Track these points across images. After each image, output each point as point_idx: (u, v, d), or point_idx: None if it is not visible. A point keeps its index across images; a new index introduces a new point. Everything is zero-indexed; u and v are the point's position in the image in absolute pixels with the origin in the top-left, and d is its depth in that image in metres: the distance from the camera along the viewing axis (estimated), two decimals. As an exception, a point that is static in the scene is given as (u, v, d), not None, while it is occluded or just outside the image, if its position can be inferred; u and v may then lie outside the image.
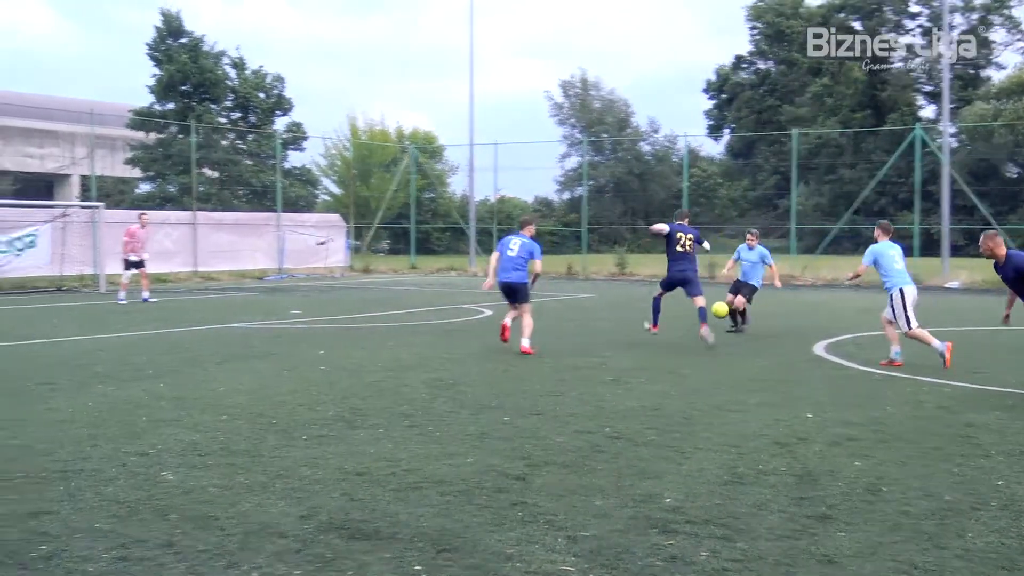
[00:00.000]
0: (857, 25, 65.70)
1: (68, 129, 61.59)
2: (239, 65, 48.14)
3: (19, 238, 27.31)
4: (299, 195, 48.45)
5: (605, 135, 73.80)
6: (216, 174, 47.21)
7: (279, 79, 49.06)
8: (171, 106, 46.97)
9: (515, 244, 13.93)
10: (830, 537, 5.29)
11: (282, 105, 49.27)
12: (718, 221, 60.27)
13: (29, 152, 60.84)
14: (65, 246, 28.52)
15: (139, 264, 23.28)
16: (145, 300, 22.81)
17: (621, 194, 70.20)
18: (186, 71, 45.71)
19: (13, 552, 4.99)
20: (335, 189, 60.42)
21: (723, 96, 76.88)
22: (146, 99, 48.10)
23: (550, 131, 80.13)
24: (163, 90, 46.77)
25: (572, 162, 73.83)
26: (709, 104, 78.64)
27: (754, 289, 16.87)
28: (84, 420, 8.45)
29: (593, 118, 78.28)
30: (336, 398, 9.63)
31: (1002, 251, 10.45)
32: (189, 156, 39.77)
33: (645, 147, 76.00)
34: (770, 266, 17.10)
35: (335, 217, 43.22)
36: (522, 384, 10.63)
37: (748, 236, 17.11)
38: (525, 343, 13.42)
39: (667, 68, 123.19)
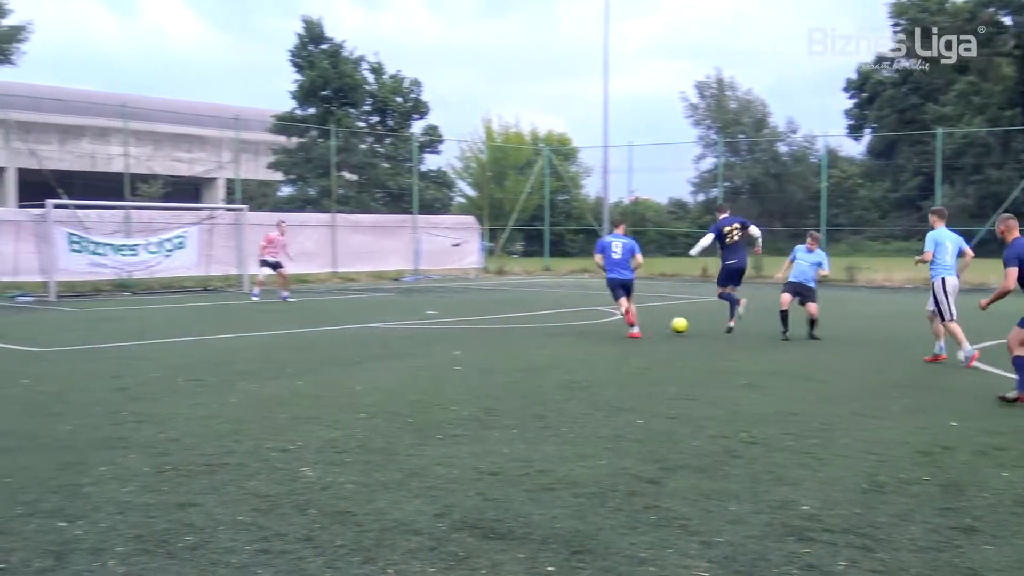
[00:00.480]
0: (1007, 20, 63.24)
1: (215, 134, 63.72)
2: (377, 70, 49.05)
3: (168, 239, 28.34)
4: (435, 197, 49.08)
5: (741, 136, 72.68)
6: (355, 177, 48.18)
7: (416, 83, 49.83)
8: (312, 111, 48.17)
9: (617, 246, 15.61)
10: (976, 550, 5.10)
11: (419, 109, 50.00)
12: (858, 223, 58.70)
13: (178, 156, 63.15)
14: (211, 247, 29.49)
15: (276, 265, 24.04)
16: (284, 298, 23.55)
17: (758, 196, 68.96)
18: (326, 76, 46.79)
19: (163, 541, 5.18)
20: (470, 191, 60.97)
21: (864, 95, 74.91)
22: (288, 104, 49.50)
23: (685, 132, 79.36)
24: (304, 95, 47.98)
25: (707, 163, 72.90)
26: (849, 103, 76.80)
27: (813, 291, 15.98)
28: (228, 416, 8.72)
29: (729, 119, 77.15)
30: (471, 398, 9.71)
31: (1012, 235, 10.08)
32: (329, 159, 40.67)
33: (782, 148, 74.52)
34: (825, 272, 16.24)
35: (470, 219, 43.61)
36: (656, 387, 10.55)
37: (810, 238, 16.15)
38: (635, 330, 15.24)
39: (805, 67, 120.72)
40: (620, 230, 16.16)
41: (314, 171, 46.61)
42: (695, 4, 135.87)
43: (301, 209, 43.47)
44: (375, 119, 49.62)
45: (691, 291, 28.18)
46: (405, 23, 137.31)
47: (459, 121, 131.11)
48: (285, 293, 23.88)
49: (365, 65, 48.86)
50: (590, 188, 64.37)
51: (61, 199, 27.03)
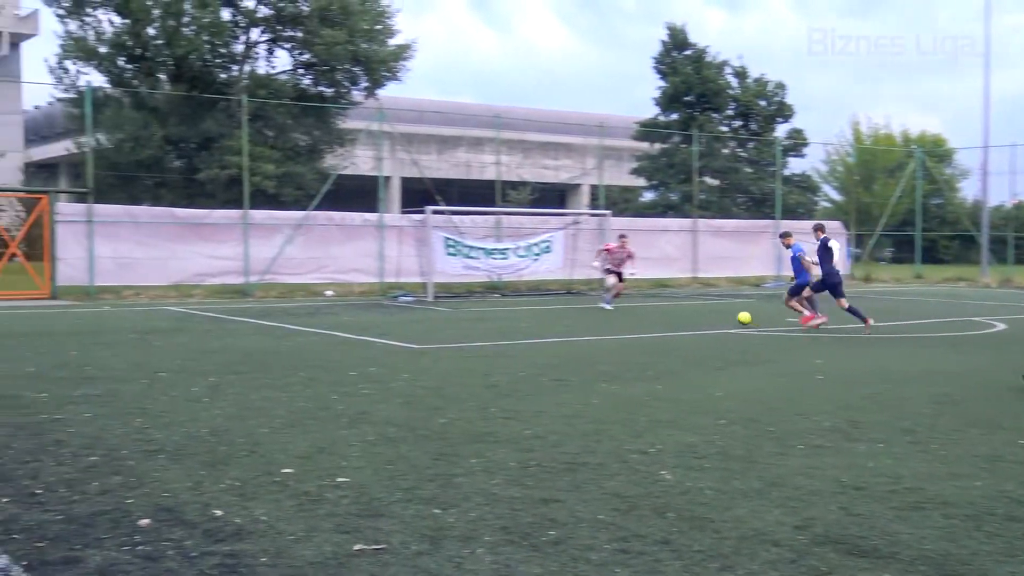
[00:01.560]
0: None
1: (580, 142, 65.66)
2: (741, 74, 48.54)
3: (536, 244, 29.49)
4: (798, 202, 47.84)
5: None
6: (716, 182, 47.97)
7: (780, 86, 48.82)
8: (675, 117, 48.43)
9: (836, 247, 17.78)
10: None
11: (783, 112, 48.96)
12: None
13: (546, 164, 65.64)
14: (576, 252, 30.36)
15: (620, 275, 23.50)
16: (604, 305, 22.97)
17: None
18: (690, 82, 46.88)
19: (527, 534, 5.39)
20: (836, 196, 59.00)
21: None
22: (651, 111, 49.99)
23: (1079, 130, 72.75)
24: (668, 102, 48.32)
25: (1105, 163, 66.41)
26: None
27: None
28: (590, 416, 8.93)
29: None
30: (833, 408, 9.41)
31: None
32: (691, 165, 40.74)
33: None
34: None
35: (835, 224, 42.18)
36: (1041, 406, 9.75)
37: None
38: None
39: None
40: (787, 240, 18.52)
41: (676, 176, 46.84)
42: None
43: (662, 214, 43.81)
44: (738, 123, 49.15)
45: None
46: (769, 24, 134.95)
47: (825, 124, 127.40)
48: (608, 301, 23.24)
49: (728, 69, 48.52)
50: (967, 191, 60.59)
51: (439, 206, 28.77)
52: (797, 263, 17.97)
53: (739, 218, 42.19)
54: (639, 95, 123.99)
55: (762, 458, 7.25)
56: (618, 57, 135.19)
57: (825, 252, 17.42)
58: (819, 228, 18.33)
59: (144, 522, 5.51)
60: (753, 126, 48.92)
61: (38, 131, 68.46)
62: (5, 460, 7.01)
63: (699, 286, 33.77)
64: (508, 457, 7.21)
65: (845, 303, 17.39)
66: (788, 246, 18.43)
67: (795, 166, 51.60)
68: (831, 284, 17.46)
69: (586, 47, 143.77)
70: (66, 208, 26.36)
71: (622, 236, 25.03)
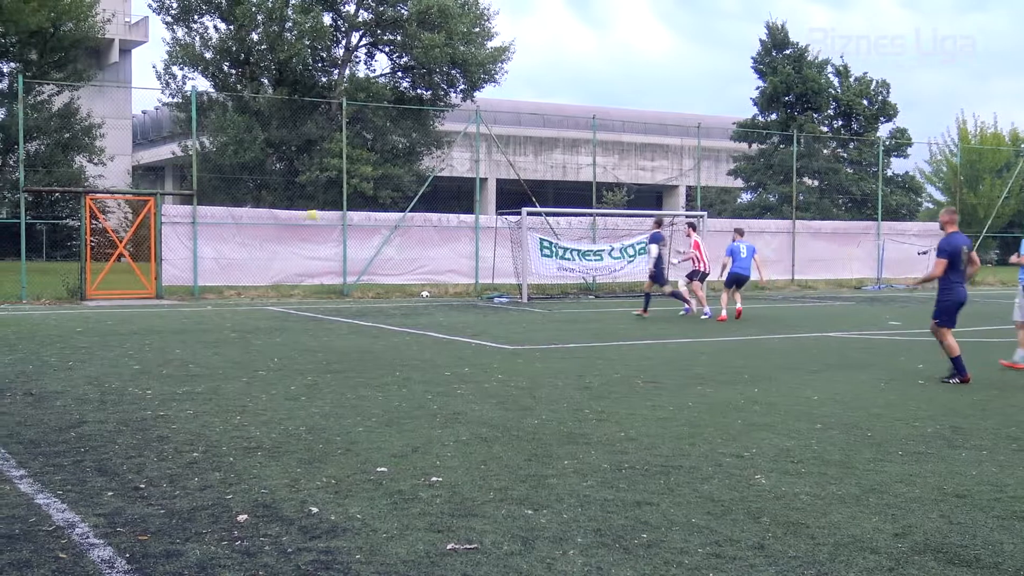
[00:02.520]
0: None
1: (677, 143, 65.25)
2: (843, 73, 47.71)
3: (631, 245, 29.33)
4: (900, 203, 46.84)
5: None
6: (816, 183, 47.23)
7: (884, 84, 47.85)
8: (774, 117, 47.82)
9: (744, 248, 20.04)
10: None
11: (886, 111, 47.98)
12: None
13: (642, 165, 65.34)
14: (671, 253, 30.14)
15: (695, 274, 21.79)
16: (687, 311, 21.56)
17: None
18: (789, 82, 46.23)
19: (619, 537, 5.38)
20: (940, 196, 57.61)
21: None
22: (749, 111, 49.48)
23: None
24: (766, 102, 47.73)
25: None
26: None
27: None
28: (684, 419, 8.87)
29: None
30: (935, 414, 9.20)
31: None
32: (790, 166, 40.14)
33: None
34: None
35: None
36: None
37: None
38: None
39: None
40: (745, 237, 20.76)
41: (774, 177, 46.26)
42: None
43: (760, 216, 43.27)
44: (839, 123, 48.32)
45: None
46: (876, 22, 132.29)
47: (932, 122, 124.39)
48: (693, 307, 21.66)
49: (830, 68, 47.72)
50: (1079, 192, 58.58)
51: (534, 207, 28.83)
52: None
53: (839, 219, 41.44)
54: (737, 95, 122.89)
55: (860, 464, 7.12)
56: (717, 57, 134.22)
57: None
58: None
59: (242, 518, 5.63)
60: (855, 126, 48.04)
61: (146, 135, 70.50)
62: (111, 455, 7.22)
63: (797, 289, 33.27)
64: (601, 459, 7.20)
65: (668, 289, 21.43)
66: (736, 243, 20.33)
67: (898, 166, 50.56)
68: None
69: (685, 47, 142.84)
70: (171, 210, 27.04)
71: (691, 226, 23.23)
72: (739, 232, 20.88)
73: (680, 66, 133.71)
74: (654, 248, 21.38)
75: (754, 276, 20.73)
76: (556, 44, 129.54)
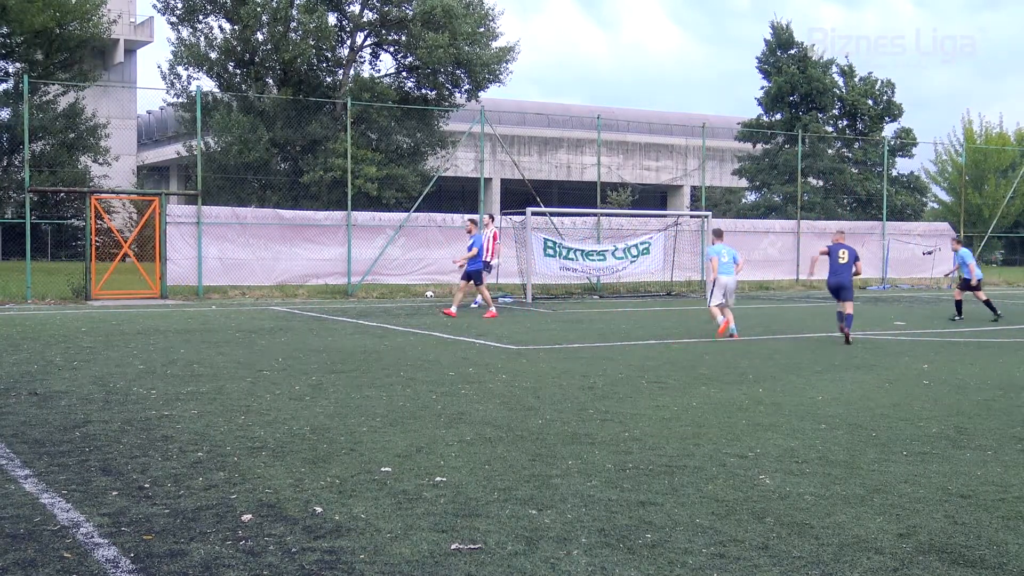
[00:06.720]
0: None
1: (681, 143, 65.19)
2: (848, 73, 47.64)
3: (635, 245, 29.34)
4: (906, 203, 46.77)
5: None
6: (820, 183, 47.18)
7: (889, 84, 47.77)
8: (778, 117, 47.76)
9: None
10: None
11: (891, 111, 47.90)
12: None
13: (647, 165, 65.29)
14: (676, 253, 30.14)
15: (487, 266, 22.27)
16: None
17: None
18: (794, 82, 46.17)
19: (623, 537, 5.38)
20: (945, 196, 57.56)
21: None
22: (754, 111, 49.40)
23: None
24: (771, 102, 47.66)
25: None
26: None
27: None
28: (689, 419, 8.87)
29: None
30: (940, 414, 9.19)
31: None
32: (794, 166, 40.11)
33: None
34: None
35: (944, 226, 41.17)
36: None
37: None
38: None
39: None
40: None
41: (779, 177, 46.19)
42: None
43: (765, 216, 43.24)
44: (844, 123, 48.26)
45: None
46: (888, 21, 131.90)
47: (939, 122, 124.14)
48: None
49: (835, 68, 47.65)
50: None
51: (539, 207, 28.82)
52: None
53: (844, 220, 41.39)
54: (745, 94, 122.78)
55: (864, 464, 7.12)
56: (728, 56, 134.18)
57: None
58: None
59: (246, 517, 5.63)
60: (860, 126, 47.97)
61: (150, 135, 70.52)
62: (115, 455, 7.23)
63: (802, 289, 33.24)
64: (605, 459, 7.20)
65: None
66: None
67: (903, 166, 50.52)
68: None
69: (694, 46, 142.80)
70: (176, 210, 27.06)
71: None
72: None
73: (690, 66, 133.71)
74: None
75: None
76: (566, 43, 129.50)
